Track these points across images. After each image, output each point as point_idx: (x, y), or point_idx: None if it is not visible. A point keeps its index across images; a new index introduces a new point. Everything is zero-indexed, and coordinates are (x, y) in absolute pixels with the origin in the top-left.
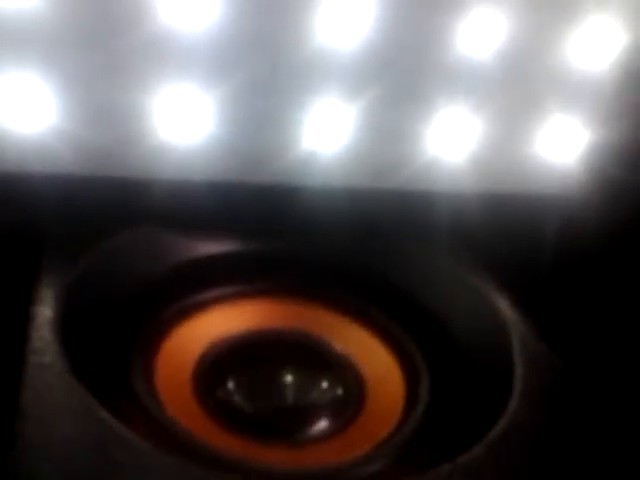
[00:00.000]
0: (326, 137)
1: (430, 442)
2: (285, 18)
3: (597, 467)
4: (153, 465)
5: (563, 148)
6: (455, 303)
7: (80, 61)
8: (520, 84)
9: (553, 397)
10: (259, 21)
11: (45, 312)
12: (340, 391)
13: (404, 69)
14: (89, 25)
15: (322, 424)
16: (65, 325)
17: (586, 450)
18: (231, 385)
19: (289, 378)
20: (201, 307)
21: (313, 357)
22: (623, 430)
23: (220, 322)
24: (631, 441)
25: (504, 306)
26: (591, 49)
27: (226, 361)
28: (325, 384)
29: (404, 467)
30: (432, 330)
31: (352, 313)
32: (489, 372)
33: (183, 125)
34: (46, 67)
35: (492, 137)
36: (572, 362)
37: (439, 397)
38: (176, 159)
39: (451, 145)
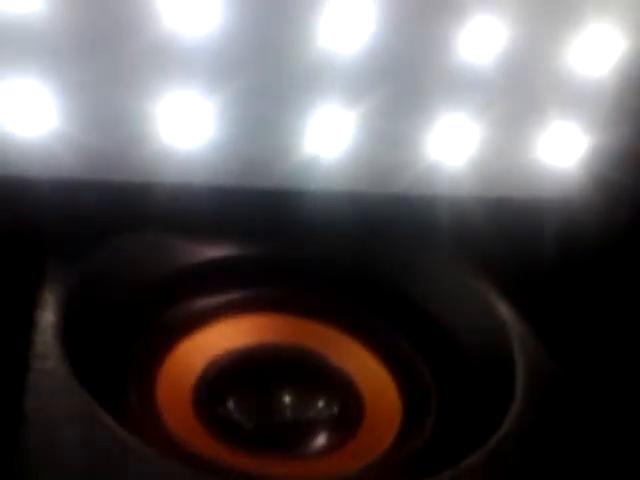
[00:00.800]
0: (327, 142)
1: (431, 446)
2: (287, 24)
3: (599, 470)
4: (155, 470)
5: (563, 153)
6: (456, 306)
7: (82, 66)
8: (520, 90)
9: (554, 400)
10: (261, 27)
11: (48, 317)
12: (337, 407)
13: (405, 75)
14: (91, 30)
15: (320, 440)
16: (68, 330)
17: (588, 453)
18: (231, 404)
19: (287, 396)
20: (203, 314)
21: (311, 374)
22: (624, 432)
23: (221, 335)
24: (632, 443)
25: (504, 309)
26: (591, 55)
27: (226, 377)
28: (323, 401)
29: (406, 472)
30: (432, 334)
31: (351, 318)
32: (490, 376)
33: (185, 129)
34: (48, 72)
35: (493, 142)
36: (572, 365)
37: (440, 401)
38: (178, 163)
39: (452, 150)
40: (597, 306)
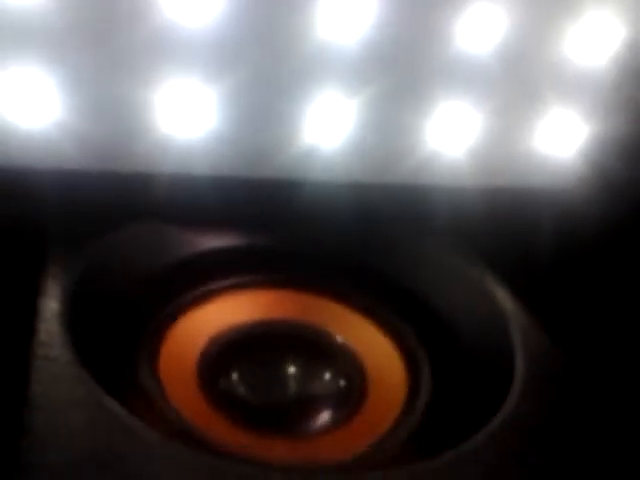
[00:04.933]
0: (327, 132)
1: (432, 431)
2: (287, 13)
3: (596, 456)
4: (159, 454)
5: (562, 142)
6: (455, 295)
7: (84, 56)
8: (519, 78)
9: (553, 387)
10: (261, 16)
11: (51, 305)
12: (343, 382)
13: (404, 64)
14: (93, 20)
15: (325, 416)
16: (71, 317)
17: (586, 440)
18: (235, 377)
19: (292, 370)
20: (205, 299)
21: (315, 349)
22: (623, 417)
23: (224, 313)
24: (629, 430)
25: (503, 298)
26: (590, 43)
27: (229, 353)
28: (328, 375)
29: (407, 456)
30: (432, 322)
31: (353, 305)
32: (489, 362)
33: (186, 120)
34: (50, 62)
35: (491, 131)
36: (571, 353)
37: (440, 388)
38: (179, 153)
39: (451, 139)
40: (596, 296)
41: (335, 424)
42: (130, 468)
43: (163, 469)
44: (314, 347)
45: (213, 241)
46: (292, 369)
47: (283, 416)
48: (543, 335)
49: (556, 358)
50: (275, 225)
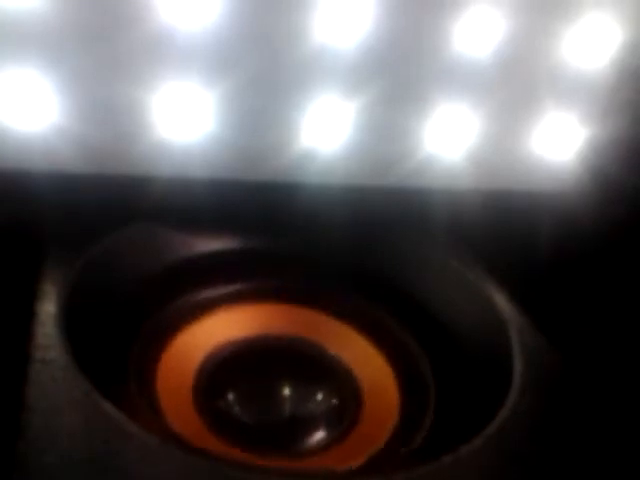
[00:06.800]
0: (325, 135)
1: (432, 435)
2: (284, 16)
3: (594, 457)
4: (156, 457)
5: (560, 145)
6: (453, 298)
7: (81, 59)
8: (517, 81)
9: (551, 390)
10: (259, 19)
11: (48, 308)
12: (337, 397)
13: (402, 67)
14: (90, 23)
15: (322, 431)
16: (68, 320)
17: (584, 441)
18: (230, 397)
19: (287, 389)
20: (201, 306)
21: (310, 363)
22: (622, 420)
23: (221, 324)
24: (627, 432)
25: (502, 301)
26: (588, 46)
27: (225, 370)
28: (322, 392)
29: (407, 459)
30: (431, 326)
31: (349, 311)
32: (488, 366)
33: (183, 123)
34: (47, 65)
35: (489, 134)
36: (569, 356)
37: (440, 391)
38: (176, 156)
39: (449, 142)
40: (594, 298)
41: (331, 438)
42: (127, 470)
43: (160, 472)
44: (308, 363)
45: (210, 244)
46: (286, 387)
47: (278, 437)
48: (541, 338)
49: (554, 361)
50: (273, 228)
